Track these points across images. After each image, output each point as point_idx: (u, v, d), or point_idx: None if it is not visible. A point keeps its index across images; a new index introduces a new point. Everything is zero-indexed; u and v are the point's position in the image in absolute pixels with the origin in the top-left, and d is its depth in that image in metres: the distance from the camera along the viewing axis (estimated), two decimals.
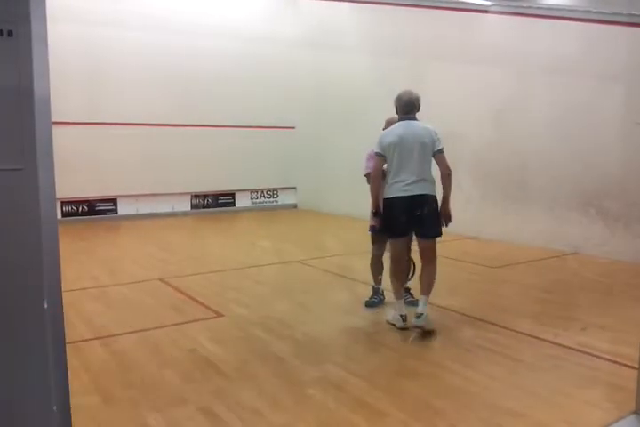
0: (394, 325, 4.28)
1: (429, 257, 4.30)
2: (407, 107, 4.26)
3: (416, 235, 4.31)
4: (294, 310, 4.94)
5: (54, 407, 1.74)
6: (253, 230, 10.26)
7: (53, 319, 1.82)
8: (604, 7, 7.23)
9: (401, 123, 4.25)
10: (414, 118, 4.27)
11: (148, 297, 5.36)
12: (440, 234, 4.27)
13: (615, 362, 3.60)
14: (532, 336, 4.12)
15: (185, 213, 11.68)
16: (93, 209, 10.78)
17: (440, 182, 4.18)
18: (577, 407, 3.00)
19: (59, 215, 9.97)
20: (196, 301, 5.15)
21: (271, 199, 13.02)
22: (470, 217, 8.69)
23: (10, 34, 1.57)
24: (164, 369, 3.54)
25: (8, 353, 1.76)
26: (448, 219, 4.25)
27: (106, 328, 4.37)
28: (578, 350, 3.81)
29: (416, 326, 4.14)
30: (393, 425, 2.82)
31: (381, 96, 10.42)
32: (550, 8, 8.72)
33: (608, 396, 3.15)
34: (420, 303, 4.19)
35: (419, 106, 4.29)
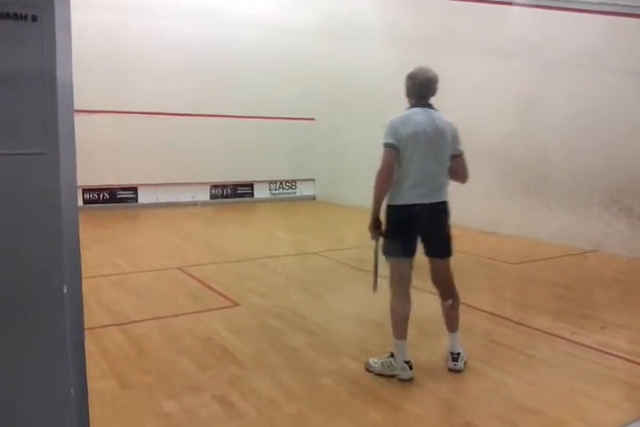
0: (391, 376, 3.28)
1: (449, 283, 3.51)
2: (424, 90, 3.35)
3: (429, 254, 3.44)
4: (310, 301, 4.95)
5: (72, 391, 1.76)
6: (271, 221, 10.29)
7: (73, 304, 1.84)
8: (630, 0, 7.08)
9: (419, 110, 3.32)
10: (431, 106, 3.39)
11: (167, 285, 5.41)
12: (452, 252, 3.50)
13: (633, 362, 3.56)
14: (549, 333, 4.08)
15: (204, 203, 11.74)
16: (114, 197, 10.88)
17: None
18: (594, 406, 2.97)
19: (80, 202, 10.10)
20: (214, 290, 5.19)
21: (289, 191, 13.03)
22: (489, 212, 8.62)
23: (34, 19, 1.58)
24: (181, 356, 3.57)
25: (28, 337, 1.79)
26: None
27: (125, 315, 4.41)
28: (596, 349, 3.77)
29: (454, 370, 3.34)
30: (408, 420, 2.82)
31: (400, 87, 10.41)
32: (574, 0, 8.55)
33: (626, 395, 3.11)
34: (455, 341, 3.43)
35: (436, 89, 3.39)
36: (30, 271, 1.75)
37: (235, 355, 3.60)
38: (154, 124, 10.92)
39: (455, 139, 3.38)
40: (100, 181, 10.48)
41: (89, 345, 3.59)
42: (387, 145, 3.27)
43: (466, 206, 8.35)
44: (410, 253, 3.35)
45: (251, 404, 2.92)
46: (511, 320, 4.39)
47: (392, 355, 3.35)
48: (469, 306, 4.75)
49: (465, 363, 3.40)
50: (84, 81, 9.14)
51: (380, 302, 4.92)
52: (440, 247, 3.43)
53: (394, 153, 3.24)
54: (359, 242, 7.78)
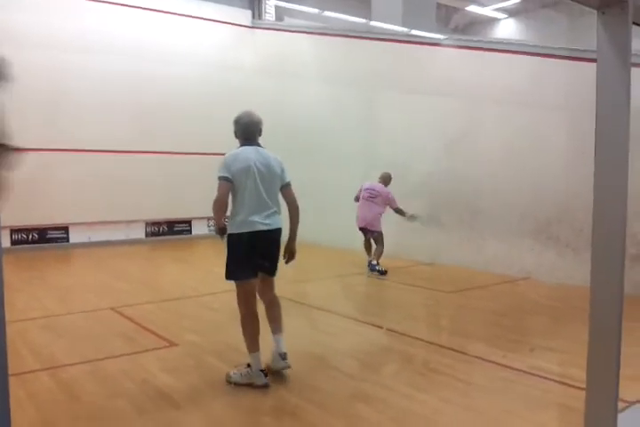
0: (249, 384, 3.62)
1: (274, 294, 3.98)
2: (249, 131, 3.84)
3: (263, 272, 3.86)
4: None
5: None
6: (209, 257, 10.15)
7: None
8: (548, 42, 7.58)
9: (249, 148, 3.78)
10: (259, 144, 3.87)
11: (100, 326, 5.22)
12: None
13: (565, 384, 3.67)
14: (484, 360, 4.17)
15: (139, 241, 11.48)
16: (44, 237, 10.50)
17: (286, 216, 3.89)
18: None
19: (8, 244, 9.71)
20: (149, 330, 5.04)
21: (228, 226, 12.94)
22: (426, 243, 8.82)
23: None
24: (115, 400, 3.43)
25: None
26: (293, 257, 3.93)
27: (55, 359, 4.22)
28: (529, 373, 3.87)
29: (285, 368, 3.81)
30: None
31: (337, 125, 10.69)
32: (499, 42, 9.09)
33: (559, 417, 3.20)
34: (281, 342, 3.86)
35: (261, 130, 3.89)
36: None
37: (171, 396, 3.49)
38: (86, 162, 10.70)
39: (283, 171, 3.86)
40: (30, 221, 10.12)
41: (16, 391, 3.43)
42: (221, 178, 3.66)
43: (404, 239, 8.58)
44: (252, 275, 3.77)
45: None
46: (448, 348, 4.47)
47: (248, 365, 3.71)
48: (406, 335, 4.81)
49: None
50: (12, 120, 8.94)
51: (323, 336, 4.93)
52: (273, 267, 3.88)
53: (228, 185, 3.66)
54: (299, 276, 7.80)
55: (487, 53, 8.42)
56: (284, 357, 3.82)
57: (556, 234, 7.41)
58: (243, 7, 13.10)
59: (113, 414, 3.24)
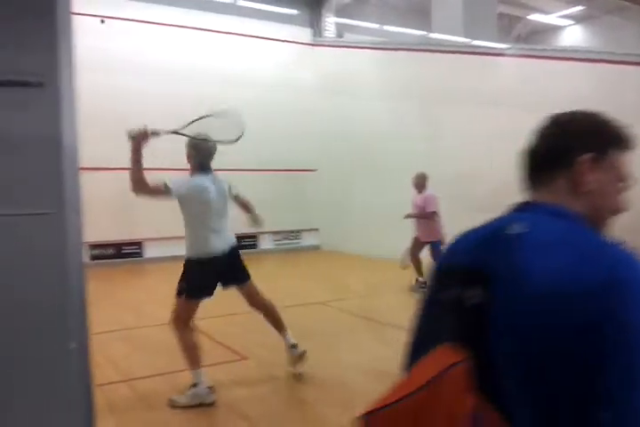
0: (195, 406, 3.57)
1: (261, 300, 4.30)
2: (209, 158, 4.03)
3: (235, 286, 4.23)
4: (318, 352, 4.89)
5: None
6: (276, 272, 10.27)
7: (81, 360, 1.86)
8: (615, 48, 7.33)
9: (207, 178, 3.97)
10: (211, 170, 4.04)
11: (174, 340, 5.36)
12: (250, 275, 4.25)
13: None
14: None
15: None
16: (119, 252, 10.93)
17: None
18: None
19: (87, 259, 10.15)
20: (220, 343, 5.16)
21: (294, 241, 13.06)
22: None
23: (40, 85, 1.68)
24: (189, 412, 3.53)
25: (36, 394, 1.80)
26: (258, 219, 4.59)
27: (132, 370, 4.39)
28: None
29: (300, 356, 4.12)
30: None
31: (398, 139, 10.64)
32: (564, 50, 8.87)
33: None
34: (288, 336, 4.21)
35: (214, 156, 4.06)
36: (36, 328, 1.78)
37: (243, 410, 3.56)
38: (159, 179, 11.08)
39: (231, 188, 4.14)
40: (106, 237, 10.57)
41: (97, 401, 3.57)
42: (166, 185, 3.92)
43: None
44: (209, 294, 4.00)
45: None
46: None
47: (195, 385, 3.65)
48: None
49: None
50: (90, 139, 9.39)
51: (389, 351, 4.89)
52: (241, 277, 4.20)
53: (161, 189, 3.95)
54: (365, 291, 7.78)
55: (553, 62, 8.22)
56: (295, 346, 4.13)
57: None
58: (303, 25, 13.34)
59: (188, 425, 3.33)
